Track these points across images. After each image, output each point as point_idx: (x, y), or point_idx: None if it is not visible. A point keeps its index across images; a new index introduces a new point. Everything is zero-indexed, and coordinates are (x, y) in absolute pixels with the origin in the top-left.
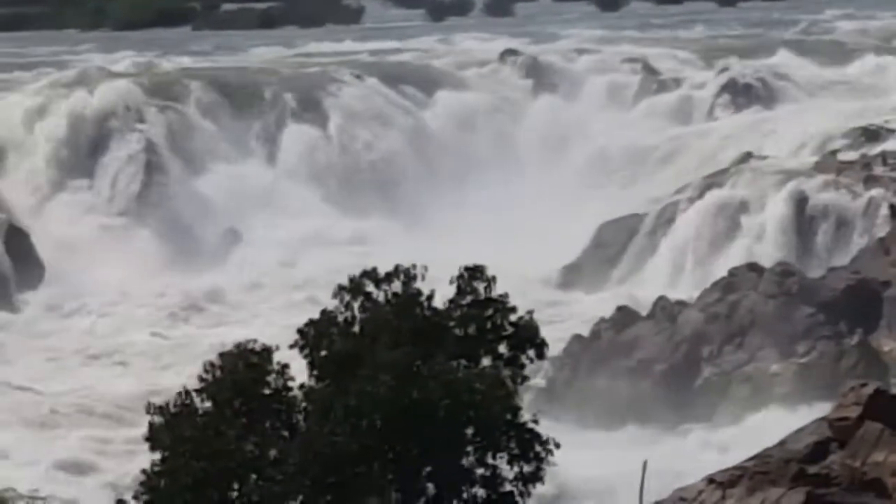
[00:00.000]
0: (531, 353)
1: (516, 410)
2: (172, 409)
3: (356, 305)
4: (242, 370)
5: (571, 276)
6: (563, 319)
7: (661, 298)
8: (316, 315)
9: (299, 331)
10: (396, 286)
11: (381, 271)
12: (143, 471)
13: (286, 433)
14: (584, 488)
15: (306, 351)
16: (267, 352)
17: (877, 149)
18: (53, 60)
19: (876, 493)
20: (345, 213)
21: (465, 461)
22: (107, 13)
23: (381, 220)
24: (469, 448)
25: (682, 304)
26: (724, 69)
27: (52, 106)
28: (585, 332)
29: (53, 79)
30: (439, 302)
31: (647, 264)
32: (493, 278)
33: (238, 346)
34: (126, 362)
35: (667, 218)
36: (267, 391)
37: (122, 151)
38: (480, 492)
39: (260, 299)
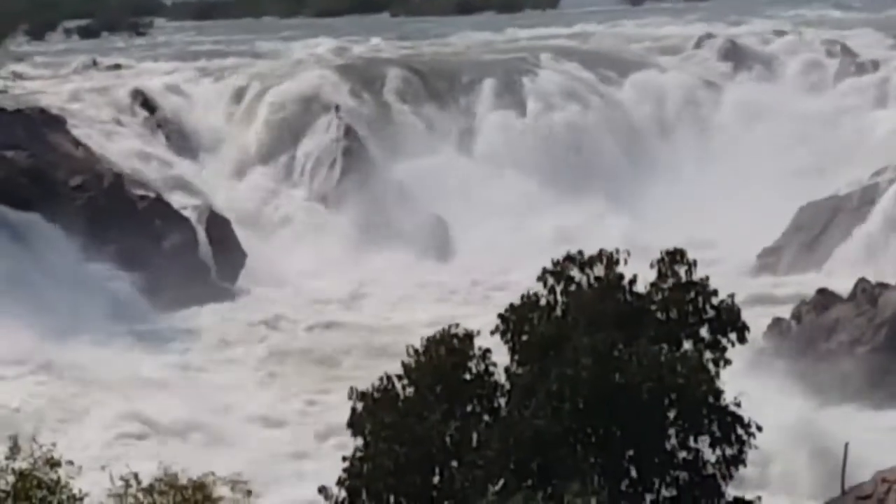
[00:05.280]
0: (732, 336)
1: (719, 394)
2: (374, 395)
3: (559, 289)
4: (444, 355)
5: (771, 258)
6: (763, 302)
7: (862, 280)
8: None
9: (501, 315)
10: (599, 270)
11: (584, 255)
12: (346, 457)
13: (488, 418)
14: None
15: (508, 335)
16: (469, 337)
17: None
18: (252, 49)
19: None
20: (544, 198)
21: (667, 444)
22: (304, 1)
23: (579, 204)
24: (671, 431)
25: (883, 286)
26: None
27: (253, 93)
28: (786, 314)
29: (253, 66)
30: (641, 286)
31: (846, 246)
32: (694, 262)
33: (441, 331)
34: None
35: (867, 199)
36: (468, 376)
37: (320, 138)
38: (682, 475)
39: (470, 286)
